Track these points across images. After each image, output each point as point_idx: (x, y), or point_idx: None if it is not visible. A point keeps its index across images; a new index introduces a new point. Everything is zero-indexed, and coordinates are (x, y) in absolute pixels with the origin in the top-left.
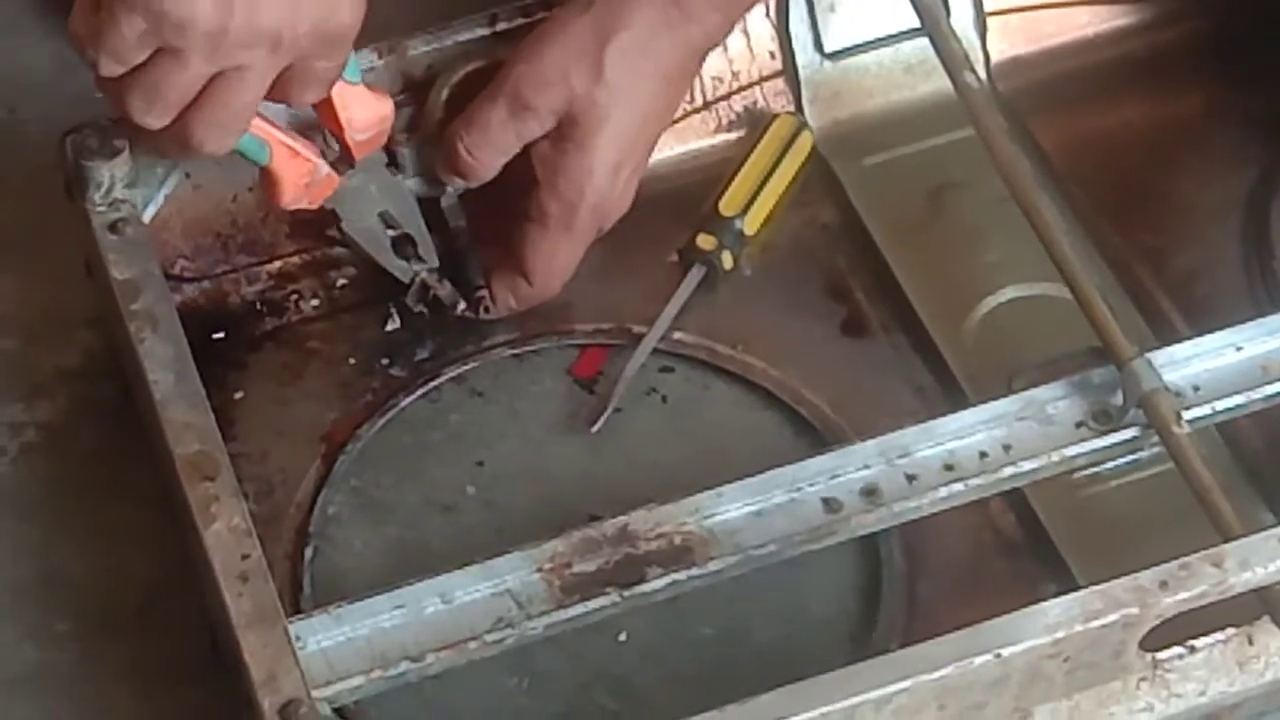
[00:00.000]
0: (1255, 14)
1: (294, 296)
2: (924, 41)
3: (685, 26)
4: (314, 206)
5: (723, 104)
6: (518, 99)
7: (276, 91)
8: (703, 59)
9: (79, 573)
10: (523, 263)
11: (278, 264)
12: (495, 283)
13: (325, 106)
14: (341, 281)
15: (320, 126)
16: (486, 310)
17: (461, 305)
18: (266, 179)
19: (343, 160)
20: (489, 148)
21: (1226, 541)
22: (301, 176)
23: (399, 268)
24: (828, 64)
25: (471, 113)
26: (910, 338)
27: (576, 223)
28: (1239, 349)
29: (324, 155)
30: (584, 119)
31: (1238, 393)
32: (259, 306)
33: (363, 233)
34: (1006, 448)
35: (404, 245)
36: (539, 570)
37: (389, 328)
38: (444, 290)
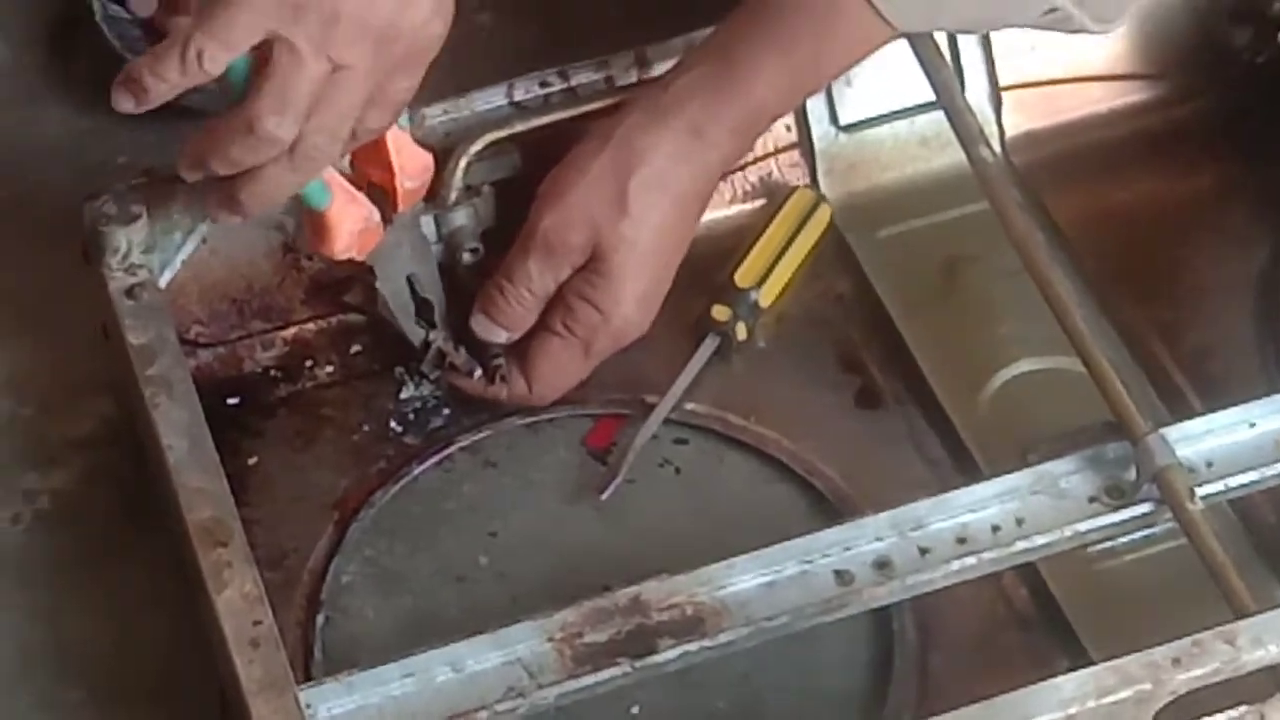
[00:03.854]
0: (1269, 92)
1: (308, 363)
2: (939, 115)
3: (704, 154)
4: (360, 257)
5: (738, 175)
6: (549, 249)
7: None
8: (719, 180)
9: (91, 640)
10: (530, 367)
11: (292, 330)
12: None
13: (377, 151)
14: (356, 348)
15: (362, 179)
16: (503, 379)
17: (478, 373)
18: (320, 226)
19: (384, 216)
20: (530, 297)
21: (1240, 618)
22: (357, 224)
23: (414, 332)
24: (843, 136)
25: (509, 266)
26: (923, 410)
27: (595, 347)
28: (1252, 425)
29: None
30: (611, 253)
31: (1251, 469)
32: (273, 373)
33: (393, 293)
34: (1019, 521)
35: (423, 310)
36: (550, 640)
37: (403, 395)
38: (459, 358)
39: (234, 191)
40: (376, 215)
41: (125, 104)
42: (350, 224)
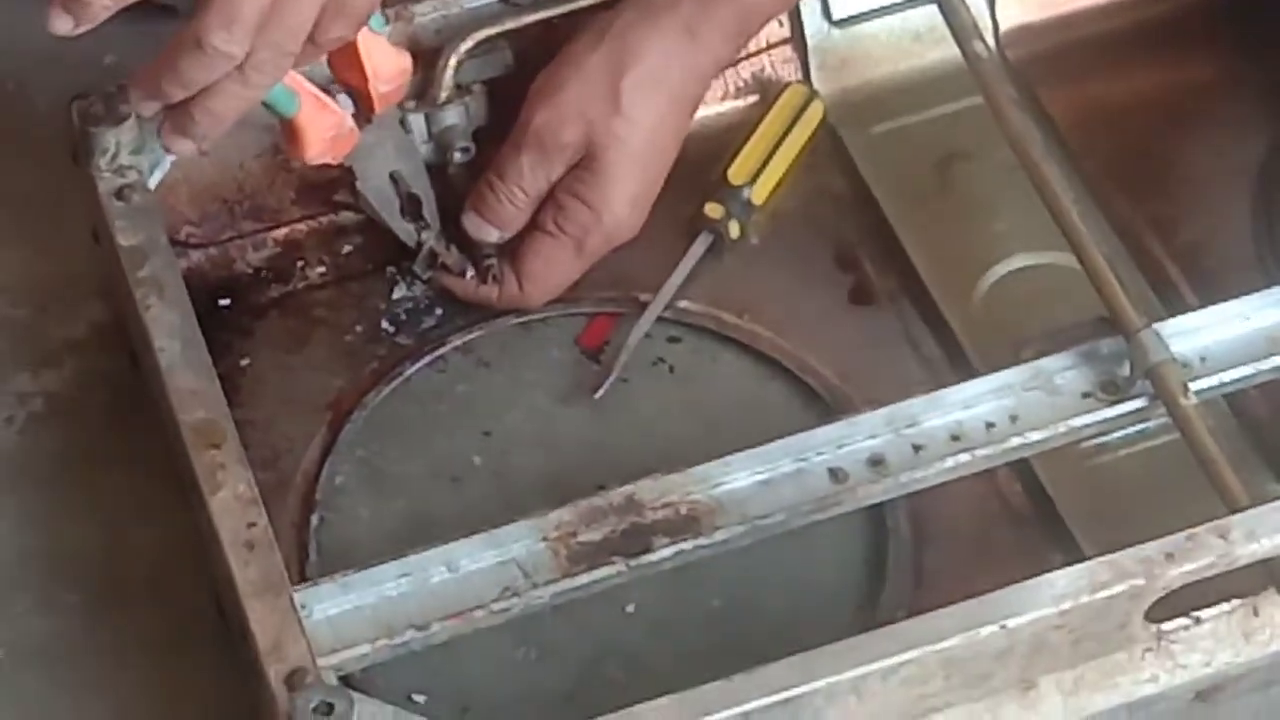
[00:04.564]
0: None
1: (300, 263)
2: (933, 9)
3: (697, 55)
4: (336, 162)
5: (731, 71)
6: (541, 143)
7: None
8: (712, 80)
9: (86, 543)
10: (522, 265)
11: (284, 230)
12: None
13: (349, 56)
14: (348, 248)
15: (339, 82)
16: (495, 279)
17: (470, 272)
18: (292, 132)
19: (360, 116)
20: (523, 195)
21: (1233, 513)
22: (328, 130)
23: (404, 230)
24: (836, 31)
25: (500, 163)
26: (918, 307)
27: (588, 246)
28: (1247, 319)
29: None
30: (604, 152)
31: (1245, 364)
32: (265, 273)
33: (374, 191)
34: (1013, 418)
35: (410, 207)
36: (545, 539)
37: (395, 295)
38: (452, 258)
39: (189, 111)
40: (350, 121)
41: (63, 25)
42: (320, 130)
